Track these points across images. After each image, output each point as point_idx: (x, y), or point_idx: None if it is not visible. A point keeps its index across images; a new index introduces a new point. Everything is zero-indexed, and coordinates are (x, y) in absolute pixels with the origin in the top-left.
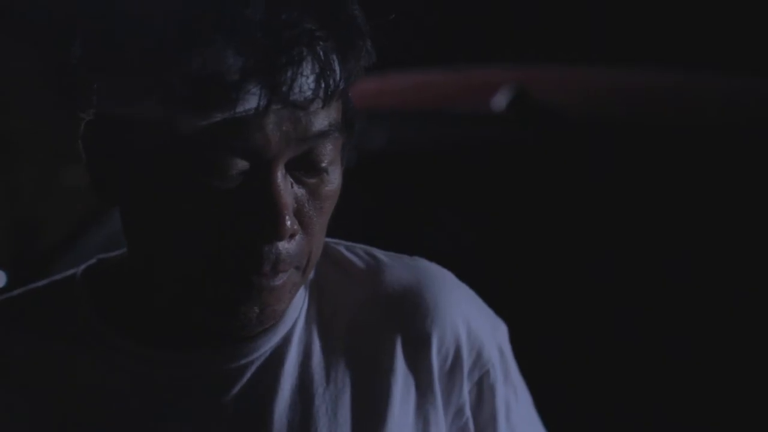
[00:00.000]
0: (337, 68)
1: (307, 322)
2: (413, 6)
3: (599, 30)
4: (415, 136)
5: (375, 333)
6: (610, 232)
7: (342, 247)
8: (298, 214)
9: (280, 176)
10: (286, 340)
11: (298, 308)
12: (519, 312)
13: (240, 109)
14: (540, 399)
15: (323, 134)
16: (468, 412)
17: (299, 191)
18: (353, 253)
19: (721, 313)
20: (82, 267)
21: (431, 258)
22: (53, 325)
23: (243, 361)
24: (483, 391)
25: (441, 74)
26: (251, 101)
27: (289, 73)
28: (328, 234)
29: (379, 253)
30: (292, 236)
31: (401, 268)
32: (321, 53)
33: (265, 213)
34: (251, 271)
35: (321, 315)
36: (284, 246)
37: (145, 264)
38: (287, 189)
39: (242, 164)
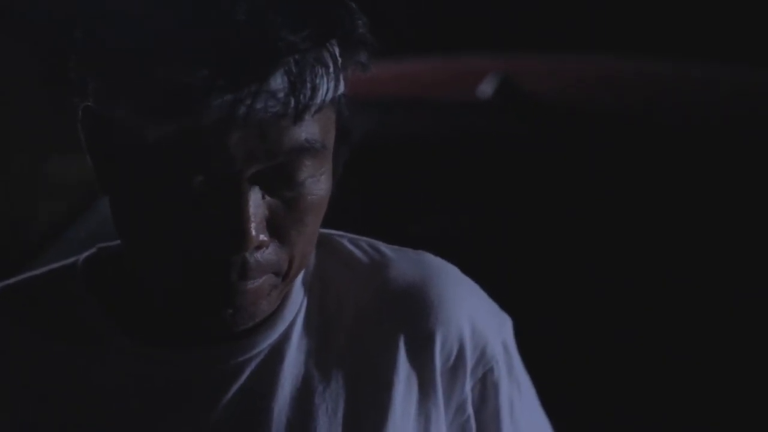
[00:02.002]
0: (312, 84)
1: (308, 318)
2: None
3: (585, 18)
4: (400, 125)
5: (378, 329)
6: (597, 222)
7: (346, 240)
8: (272, 225)
9: (246, 189)
10: (285, 337)
11: (297, 304)
12: (511, 303)
13: (203, 120)
14: (539, 394)
15: (297, 150)
16: (470, 410)
17: (274, 202)
18: (357, 246)
19: (716, 308)
20: (83, 256)
21: (415, 247)
22: (52, 319)
23: (241, 359)
24: (486, 388)
25: (426, 63)
26: (212, 114)
27: (252, 88)
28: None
29: (384, 247)
30: (259, 247)
31: (406, 262)
32: (294, 67)
33: (229, 225)
34: (219, 277)
35: (323, 310)
36: (253, 256)
37: (130, 256)
38: (256, 201)
39: (206, 176)
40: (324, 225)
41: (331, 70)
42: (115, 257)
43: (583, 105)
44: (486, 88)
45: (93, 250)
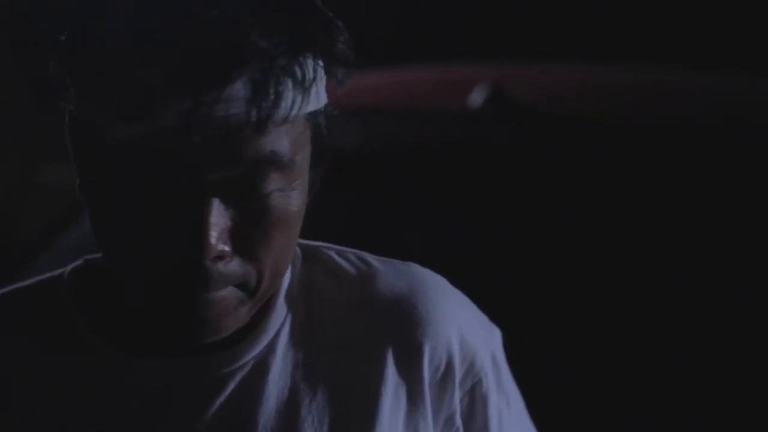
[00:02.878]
0: (275, 93)
1: (294, 330)
2: (388, 3)
3: (575, 28)
4: (390, 135)
5: (366, 341)
6: (590, 229)
7: (333, 252)
8: (237, 238)
9: (206, 195)
10: (270, 349)
11: (282, 315)
12: (501, 314)
13: (161, 123)
14: (529, 401)
15: (261, 161)
16: (459, 421)
17: (239, 215)
18: (344, 258)
19: (710, 308)
20: (69, 268)
21: (405, 257)
22: (39, 329)
23: (225, 370)
24: (475, 400)
25: (416, 72)
26: (171, 117)
27: (212, 93)
28: (303, 236)
29: (372, 259)
30: (221, 258)
31: (394, 274)
32: (258, 74)
33: (188, 231)
34: (180, 285)
35: (309, 322)
36: (215, 266)
37: (109, 266)
38: (217, 210)
39: (166, 180)
40: (313, 235)
41: (301, 80)
42: (100, 268)
43: (573, 114)
44: (476, 97)
45: (79, 261)
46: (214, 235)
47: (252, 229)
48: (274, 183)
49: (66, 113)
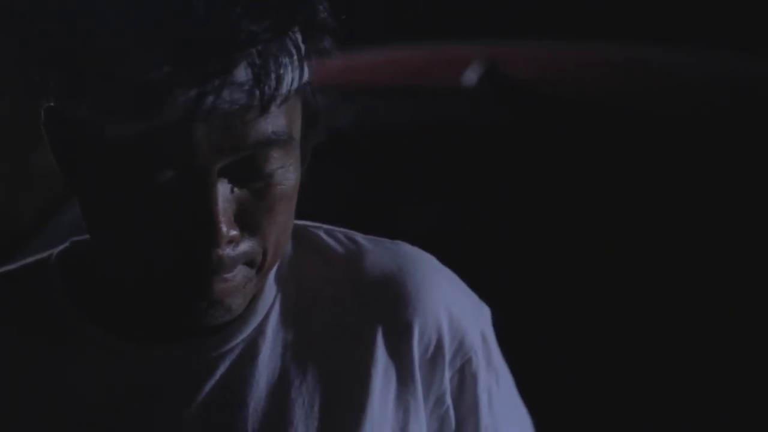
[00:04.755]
0: (276, 74)
1: (284, 311)
2: None
3: (571, 5)
4: (386, 114)
5: (355, 321)
6: (585, 211)
7: (322, 231)
8: (243, 218)
9: (214, 184)
10: (259, 331)
11: (271, 297)
12: (496, 293)
13: (166, 117)
14: (521, 382)
15: (264, 143)
16: (449, 400)
17: (243, 194)
18: (333, 238)
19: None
20: (57, 251)
21: (401, 236)
22: (26, 313)
23: (215, 353)
24: (465, 378)
25: (411, 50)
26: (177, 110)
27: (216, 82)
28: (299, 216)
29: (360, 238)
30: (232, 241)
31: (382, 253)
32: (257, 59)
33: (199, 221)
34: (191, 272)
35: (298, 303)
36: (226, 250)
37: (102, 253)
38: (225, 195)
39: (172, 172)
40: (308, 215)
41: (295, 58)
42: (88, 251)
43: (569, 92)
44: (471, 75)
45: (66, 244)
46: (224, 221)
47: (257, 208)
48: (276, 162)
49: (43, 110)
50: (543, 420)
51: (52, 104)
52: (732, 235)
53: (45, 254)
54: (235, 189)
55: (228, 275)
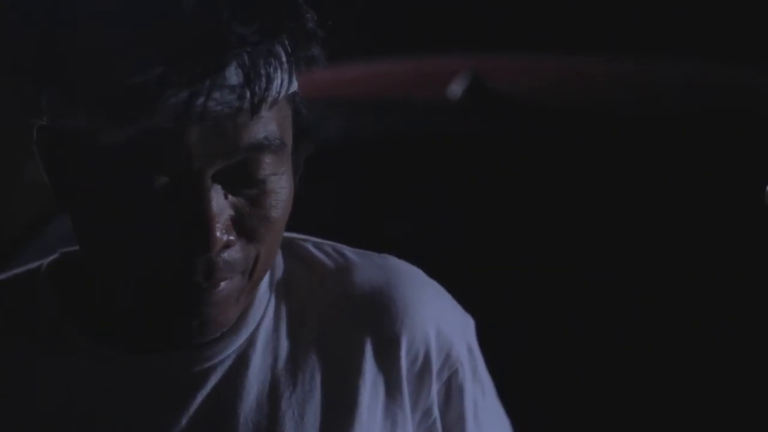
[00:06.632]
0: (266, 75)
1: (274, 323)
2: None
3: (555, 18)
4: (371, 126)
5: (344, 334)
6: (571, 219)
7: (310, 244)
8: (237, 224)
9: (208, 189)
10: (250, 343)
11: (261, 309)
12: (482, 302)
13: (157, 121)
14: (506, 392)
15: (256, 147)
16: (436, 412)
17: (237, 201)
18: (322, 251)
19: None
20: (47, 261)
21: (387, 247)
22: (16, 322)
23: (206, 365)
24: (451, 390)
25: (396, 63)
26: (168, 114)
27: (207, 82)
28: (286, 227)
29: (348, 251)
30: (227, 246)
31: (370, 267)
32: (247, 60)
33: (193, 226)
34: (186, 281)
35: (288, 315)
36: (220, 255)
37: (92, 266)
38: (218, 200)
39: (166, 178)
40: (297, 226)
41: (284, 61)
42: (77, 262)
43: (553, 104)
44: (456, 88)
45: (56, 255)
46: (219, 227)
47: (252, 214)
48: (268, 168)
49: (36, 130)
50: (534, 427)
51: (43, 122)
52: (729, 244)
53: (35, 264)
54: (230, 196)
55: (222, 284)
